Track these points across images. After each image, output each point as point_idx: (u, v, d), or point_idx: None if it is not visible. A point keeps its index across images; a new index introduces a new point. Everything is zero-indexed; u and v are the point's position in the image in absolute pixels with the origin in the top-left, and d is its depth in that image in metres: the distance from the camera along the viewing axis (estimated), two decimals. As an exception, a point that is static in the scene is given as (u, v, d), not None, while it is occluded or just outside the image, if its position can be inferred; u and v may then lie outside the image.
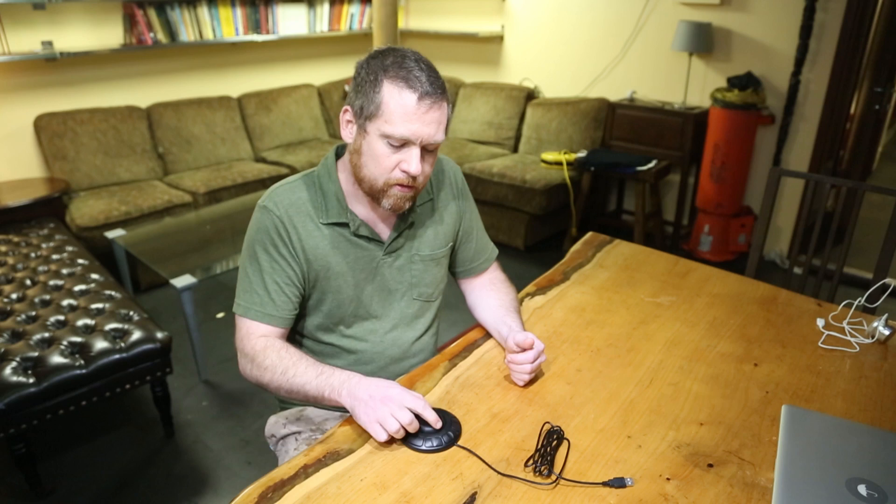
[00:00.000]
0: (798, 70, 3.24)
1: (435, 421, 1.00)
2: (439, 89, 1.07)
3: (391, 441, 0.99)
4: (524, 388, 1.15)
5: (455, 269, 1.40)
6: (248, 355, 1.15)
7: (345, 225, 1.18)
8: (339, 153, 1.23)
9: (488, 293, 1.36)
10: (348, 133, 1.14)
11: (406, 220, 1.23)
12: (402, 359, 1.31)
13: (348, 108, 1.12)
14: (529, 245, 3.74)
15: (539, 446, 0.99)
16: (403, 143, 1.07)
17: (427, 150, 1.10)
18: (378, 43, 3.37)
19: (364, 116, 1.08)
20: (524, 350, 1.13)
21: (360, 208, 1.20)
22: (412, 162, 1.07)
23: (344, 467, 0.96)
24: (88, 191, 3.42)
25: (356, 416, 1.02)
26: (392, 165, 1.09)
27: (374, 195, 1.13)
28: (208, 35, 3.88)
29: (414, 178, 1.09)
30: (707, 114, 3.45)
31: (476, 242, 1.38)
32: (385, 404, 0.99)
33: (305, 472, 0.95)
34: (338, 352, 1.27)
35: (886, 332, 1.31)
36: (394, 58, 1.07)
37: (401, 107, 1.04)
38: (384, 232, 1.22)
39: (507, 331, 1.21)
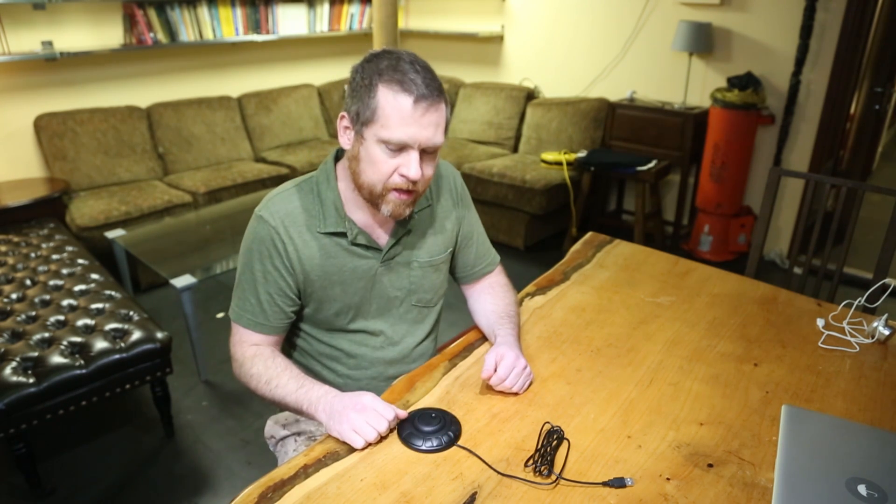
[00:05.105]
0: (798, 70, 3.24)
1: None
2: (436, 91, 1.05)
3: (367, 445, 0.99)
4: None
5: (456, 273, 1.39)
6: (238, 360, 1.20)
7: (342, 234, 1.17)
8: (338, 156, 1.21)
9: (485, 298, 1.35)
10: (346, 139, 1.12)
11: (404, 227, 1.21)
12: (403, 363, 1.31)
13: (345, 114, 1.10)
14: (529, 245, 3.74)
15: (539, 446, 0.99)
16: (401, 148, 1.05)
17: (426, 154, 1.08)
18: (378, 43, 3.36)
19: (360, 122, 1.06)
20: (496, 369, 1.10)
21: (359, 214, 1.18)
22: (411, 166, 1.05)
23: (344, 467, 0.96)
24: (88, 191, 3.42)
25: (330, 429, 1.02)
26: (390, 171, 1.07)
27: (374, 201, 1.11)
28: (208, 35, 3.88)
29: (414, 182, 1.07)
30: (707, 114, 3.45)
31: (477, 247, 1.37)
32: (360, 413, 1.00)
33: (305, 472, 0.95)
34: (339, 355, 1.27)
35: (886, 332, 1.31)
36: (389, 61, 1.05)
37: (397, 111, 1.03)
38: (382, 238, 1.21)
39: (494, 341, 1.21)
